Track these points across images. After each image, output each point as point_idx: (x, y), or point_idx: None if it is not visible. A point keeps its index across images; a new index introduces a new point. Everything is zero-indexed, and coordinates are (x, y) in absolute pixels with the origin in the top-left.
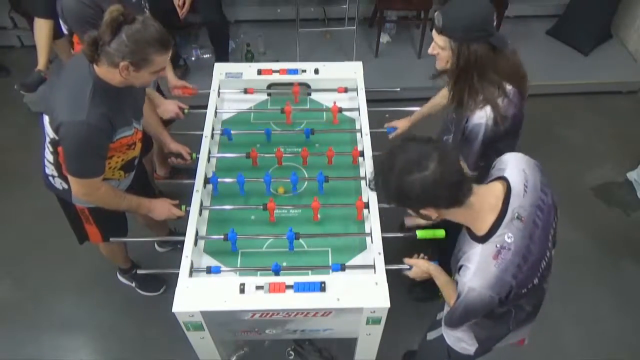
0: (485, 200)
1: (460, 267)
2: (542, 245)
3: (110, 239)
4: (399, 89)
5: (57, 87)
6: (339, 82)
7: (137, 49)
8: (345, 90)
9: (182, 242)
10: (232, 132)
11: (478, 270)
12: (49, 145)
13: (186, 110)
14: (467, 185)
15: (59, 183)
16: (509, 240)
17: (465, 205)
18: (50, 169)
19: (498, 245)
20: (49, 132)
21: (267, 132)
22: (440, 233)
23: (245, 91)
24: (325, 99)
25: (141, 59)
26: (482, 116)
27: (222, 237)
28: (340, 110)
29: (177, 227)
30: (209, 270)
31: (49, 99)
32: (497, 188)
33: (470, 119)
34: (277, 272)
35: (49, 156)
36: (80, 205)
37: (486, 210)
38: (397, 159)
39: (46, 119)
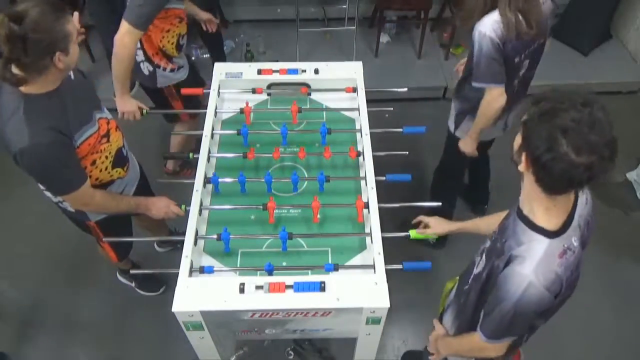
0: (568, 197)
1: (512, 256)
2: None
3: (106, 239)
4: (406, 89)
5: (1, 118)
6: (339, 82)
7: (56, 36)
8: (354, 90)
9: (182, 242)
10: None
11: (541, 264)
12: None
13: (145, 111)
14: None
15: (68, 206)
16: (575, 244)
17: (559, 197)
18: (52, 197)
19: (565, 245)
20: None
21: (284, 131)
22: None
23: (254, 91)
24: (326, 99)
25: (62, 38)
26: (485, 26)
27: (215, 237)
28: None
29: (177, 227)
30: (202, 270)
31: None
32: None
33: (475, 28)
34: (270, 272)
35: (41, 186)
36: (90, 222)
37: (562, 206)
38: (565, 117)
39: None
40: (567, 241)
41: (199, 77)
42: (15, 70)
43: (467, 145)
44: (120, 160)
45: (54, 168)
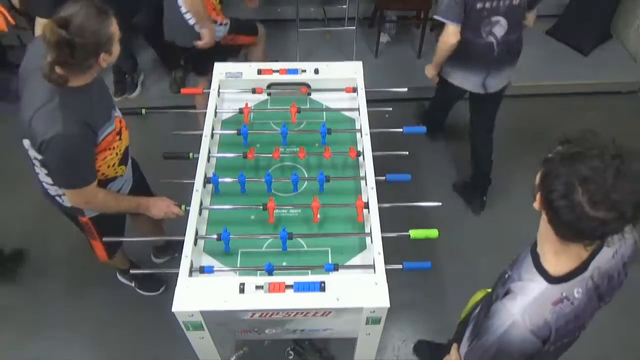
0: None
1: (509, 289)
2: (592, 313)
3: (106, 239)
4: (406, 89)
5: (24, 110)
6: (339, 82)
7: (100, 39)
8: (354, 90)
9: (180, 251)
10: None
11: (531, 306)
12: (41, 168)
13: (144, 111)
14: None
15: (65, 200)
16: (576, 295)
17: (571, 244)
18: (53, 190)
19: (564, 294)
20: (35, 155)
21: (284, 131)
22: (434, 233)
23: (254, 91)
24: (326, 99)
25: (106, 41)
26: None
27: (215, 237)
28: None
29: (175, 229)
30: (202, 270)
31: (21, 122)
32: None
33: None
34: (270, 272)
35: (46, 178)
36: (83, 217)
37: (573, 254)
38: (589, 165)
39: (26, 142)
40: (568, 290)
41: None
42: (59, 70)
43: (428, 70)
44: (125, 157)
45: (75, 161)
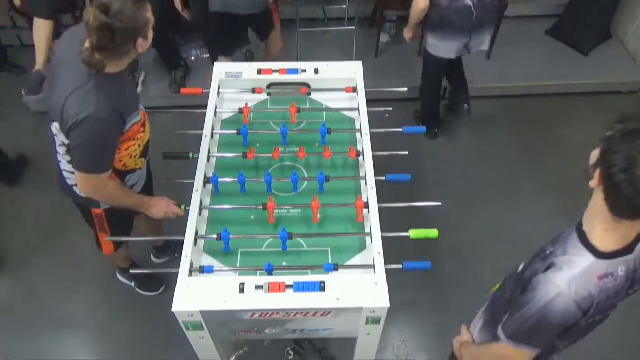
0: (634, 226)
1: (552, 262)
2: (625, 296)
3: (110, 239)
4: (406, 89)
5: (56, 93)
6: (339, 82)
7: (138, 24)
8: (354, 90)
9: (180, 251)
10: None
11: (577, 278)
12: (64, 156)
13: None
14: None
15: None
16: (620, 273)
17: (624, 222)
18: (73, 180)
19: (610, 270)
20: (63, 140)
21: (284, 131)
22: (434, 233)
23: (254, 91)
24: (326, 99)
25: (143, 25)
26: None
27: (216, 236)
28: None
29: (172, 229)
30: (202, 270)
31: (52, 107)
32: None
33: None
34: (270, 272)
35: (67, 166)
36: (98, 209)
37: (624, 233)
38: None
39: (55, 126)
40: (613, 267)
41: None
42: (98, 56)
43: (406, 33)
44: (146, 151)
45: (99, 145)
